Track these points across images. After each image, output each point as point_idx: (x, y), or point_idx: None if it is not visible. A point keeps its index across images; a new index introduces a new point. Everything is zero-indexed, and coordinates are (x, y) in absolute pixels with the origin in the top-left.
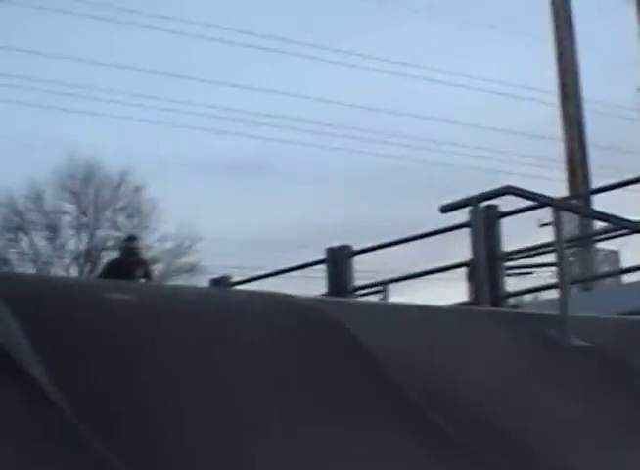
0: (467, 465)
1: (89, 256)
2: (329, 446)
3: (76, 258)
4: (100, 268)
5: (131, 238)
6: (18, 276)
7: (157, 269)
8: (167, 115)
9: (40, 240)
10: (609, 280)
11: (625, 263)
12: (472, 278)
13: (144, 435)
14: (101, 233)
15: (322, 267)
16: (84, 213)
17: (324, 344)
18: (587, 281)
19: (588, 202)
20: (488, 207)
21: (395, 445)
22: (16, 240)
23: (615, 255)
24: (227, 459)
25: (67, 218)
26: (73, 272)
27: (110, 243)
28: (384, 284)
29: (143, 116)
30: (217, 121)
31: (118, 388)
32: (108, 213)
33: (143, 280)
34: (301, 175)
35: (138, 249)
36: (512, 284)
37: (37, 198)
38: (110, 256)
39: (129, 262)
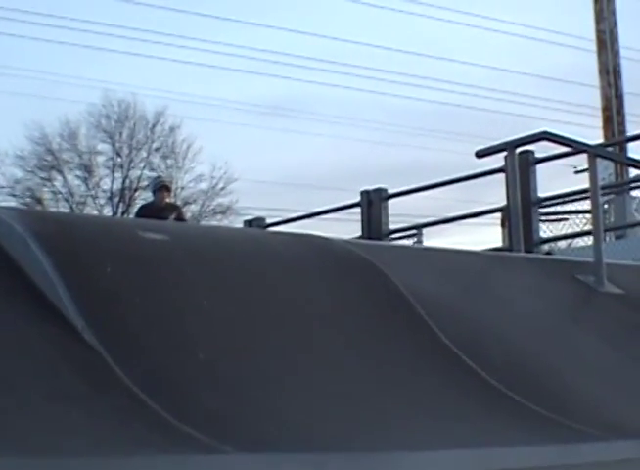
0: (498, 406)
1: (123, 196)
2: (360, 381)
3: (110, 198)
4: (134, 209)
5: (160, 177)
6: (51, 215)
7: (190, 210)
8: (202, 55)
9: (74, 180)
10: None
11: None
12: (506, 224)
13: (177, 375)
14: (135, 173)
15: (357, 210)
16: (118, 154)
17: (358, 286)
18: (621, 229)
19: (623, 149)
20: (524, 152)
21: (427, 384)
22: (50, 179)
23: None
24: (261, 398)
25: (101, 158)
26: (107, 212)
27: (144, 183)
28: (418, 228)
29: (178, 56)
30: (252, 62)
31: (152, 328)
32: (142, 154)
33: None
34: (336, 117)
35: (166, 182)
36: (546, 230)
37: (72, 137)
38: (144, 196)
39: (161, 205)
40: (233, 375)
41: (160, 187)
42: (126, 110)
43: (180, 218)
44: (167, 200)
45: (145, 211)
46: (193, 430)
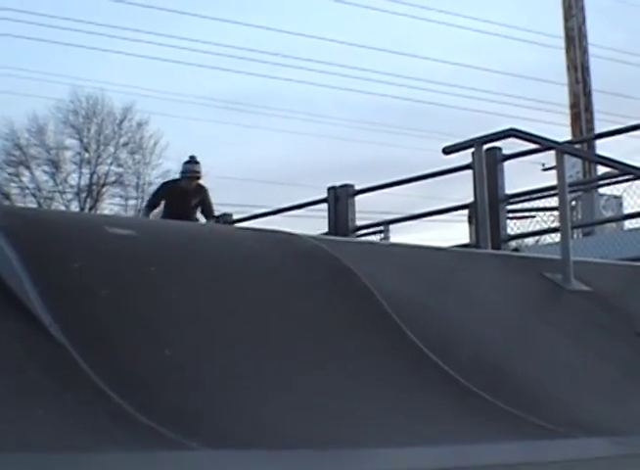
0: (465, 403)
1: (90, 191)
2: (326, 378)
3: (78, 193)
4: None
5: (193, 160)
6: (18, 210)
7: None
8: (168, 51)
9: (42, 175)
10: (610, 225)
11: (627, 209)
12: (473, 220)
13: (145, 371)
14: (103, 169)
15: (324, 206)
16: (86, 149)
17: (325, 282)
18: (589, 226)
19: (592, 147)
20: (491, 149)
21: (394, 381)
22: (17, 175)
23: (617, 200)
24: (229, 394)
25: (69, 154)
26: (74, 208)
27: (111, 179)
28: (385, 224)
29: (145, 52)
30: (217, 58)
31: (119, 324)
32: (110, 149)
33: (200, 209)
34: (301, 114)
35: (199, 173)
36: (514, 227)
37: (40, 133)
38: (111, 192)
39: (187, 188)
40: (201, 371)
41: (190, 178)
42: (94, 105)
43: (207, 203)
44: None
45: (167, 190)
46: (160, 426)
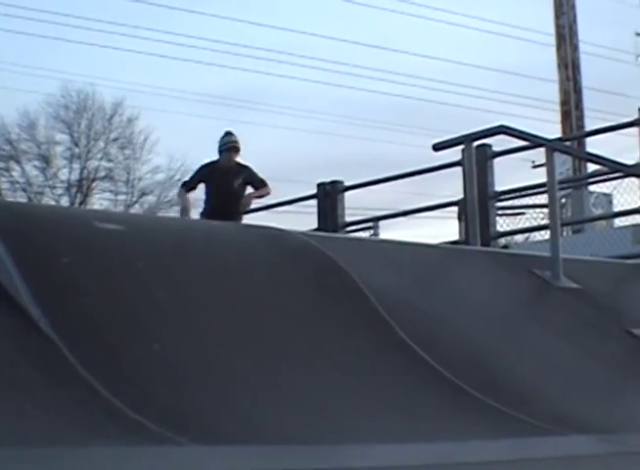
0: (453, 400)
1: (80, 186)
2: (315, 374)
3: (68, 188)
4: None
5: (229, 132)
6: (9, 205)
7: (147, 201)
8: (159, 46)
9: (32, 170)
10: (600, 223)
11: (617, 207)
12: (463, 217)
13: (133, 366)
14: (93, 164)
15: (313, 203)
16: (77, 144)
17: (314, 278)
18: (579, 223)
19: (582, 144)
20: (481, 146)
21: (383, 378)
22: (8, 169)
23: (607, 198)
24: (216, 390)
25: (59, 149)
26: (65, 202)
27: (101, 174)
28: (374, 221)
29: (135, 47)
30: (207, 53)
31: (108, 318)
32: (100, 144)
33: (248, 188)
34: (293, 110)
35: (237, 143)
36: (503, 224)
37: (30, 127)
38: (101, 186)
39: (228, 166)
40: (188, 367)
41: (229, 148)
42: (85, 100)
43: (251, 180)
44: (235, 161)
45: (205, 172)
46: (148, 421)
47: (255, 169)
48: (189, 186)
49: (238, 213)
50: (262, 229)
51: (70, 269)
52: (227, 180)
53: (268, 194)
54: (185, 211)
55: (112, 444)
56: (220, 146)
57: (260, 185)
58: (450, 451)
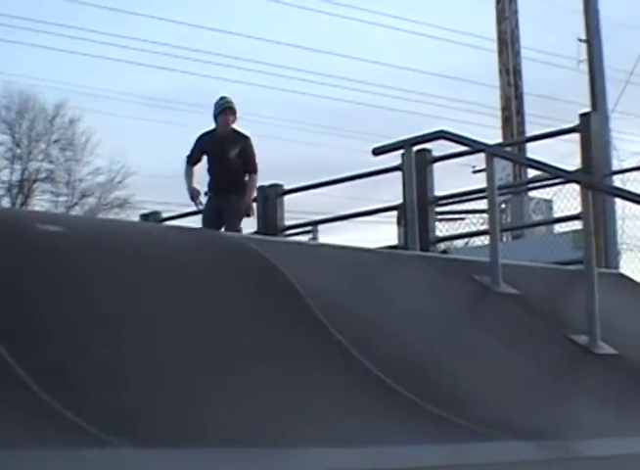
0: (390, 404)
1: (22, 187)
2: (251, 376)
3: (9, 189)
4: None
5: (224, 98)
6: None
7: (87, 203)
8: (101, 48)
9: None
10: (540, 229)
11: (557, 213)
12: (402, 222)
13: (74, 369)
14: (34, 165)
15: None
16: (18, 145)
17: (252, 281)
18: (518, 229)
19: (522, 150)
20: (421, 150)
21: (320, 380)
22: None
23: (547, 203)
24: (158, 393)
25: (0, 149)
26: (5, 203)
27: (42, 175)
28: (314, 224)
29: (78, 48)
30: (149, 55)
31: (48, 321)
32: (41, 145)
33: (239, 160)
34: None
35: (232, 104)
36: (443, 229)
37: None
38: (42, 188)
39: (223, 134)
40: (130, 370)
41: (224, 109)
42: (26, 101)
43: (245, 154)
44: (232, 126)
45: (204, 142)
46: (89, 424)
47: (252, 142)
48: (192, 160)
49: (236, 190)
50: (203, 232)
51: (10, 271)
52: (223, 150)
53: (255, 187)
54: (193, 194)
55: (49, 445)
56: (214, 110)
57: (250, 168)
58: (388, 456)
